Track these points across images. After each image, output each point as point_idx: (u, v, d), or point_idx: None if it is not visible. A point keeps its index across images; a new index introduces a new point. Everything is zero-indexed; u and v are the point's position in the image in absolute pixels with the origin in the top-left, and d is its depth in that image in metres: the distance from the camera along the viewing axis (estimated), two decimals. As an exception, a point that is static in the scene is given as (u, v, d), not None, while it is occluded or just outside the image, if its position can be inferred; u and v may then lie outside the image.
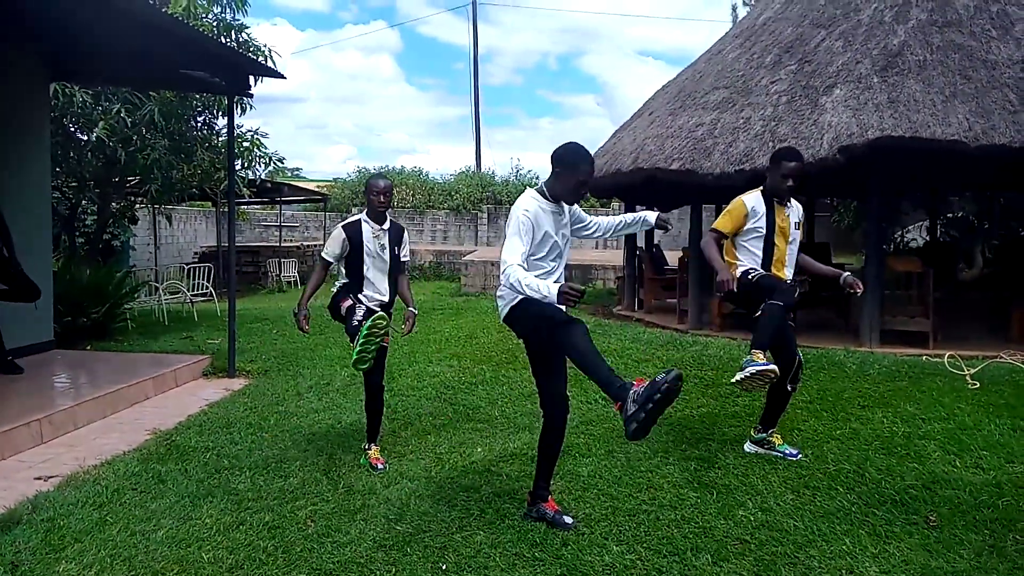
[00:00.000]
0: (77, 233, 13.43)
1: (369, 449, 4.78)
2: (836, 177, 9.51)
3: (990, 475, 4.29)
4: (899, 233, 19.20)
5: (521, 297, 3.62)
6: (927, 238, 15.93)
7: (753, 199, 4.62)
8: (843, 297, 9.67)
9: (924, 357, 7.10)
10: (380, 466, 4.64)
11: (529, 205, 3.68)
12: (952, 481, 4.20)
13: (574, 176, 3.71)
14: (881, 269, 8.16)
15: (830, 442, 4.88)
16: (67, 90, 9.33)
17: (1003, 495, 4.01)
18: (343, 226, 4.73)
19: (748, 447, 4.80)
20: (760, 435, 4.74)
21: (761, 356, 4.33)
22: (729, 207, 4.69)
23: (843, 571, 3.31)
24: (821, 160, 7.61)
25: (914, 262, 8.38)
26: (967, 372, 6.35)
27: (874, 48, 8.40)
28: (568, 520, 3.75)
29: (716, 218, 4.88)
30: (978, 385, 6.05)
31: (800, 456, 4.65)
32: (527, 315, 3.70)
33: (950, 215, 17.64)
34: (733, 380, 4.41)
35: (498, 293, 3.84)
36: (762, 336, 4.37)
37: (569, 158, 3.73)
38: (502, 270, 3.55)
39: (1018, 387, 6.01)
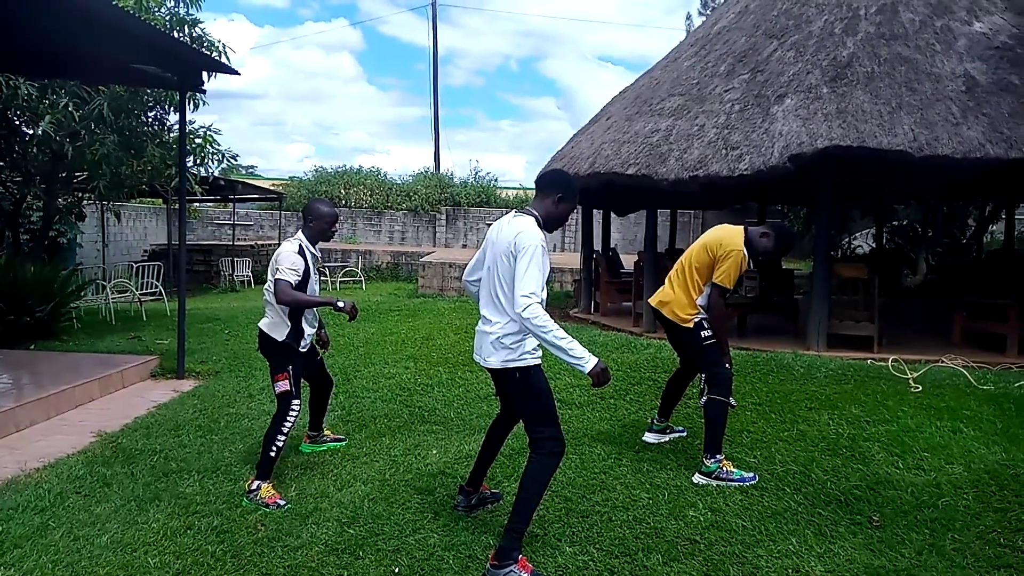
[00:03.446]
0: (22, 229, 13.01)
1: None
2: (786, 184, 9.75)
3: (931, 476, 4.43)
4: (846, 240, 19.69)
5: (538, 360, 3.35)
6: (873, 245, 16.37)
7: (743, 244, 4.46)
8: (792, 302, 9.91)
9: (869, 361, 7.29)
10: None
11: (541, 235, 3.27)
12: (895, 482, 4.32)
13: (573, 204, 3.46)
14: (829, 275, 8.35)
15: (778, 443, 4.98)
16: (12, 82, 9.04)
17: (943, 495, 4.15)
18: (298, 252, 4.22)
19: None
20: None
21: (730, 464, 4.40)
22: (731, 256, 4.37)
23: (789, 570, 3.39)
24: (772, 168, 7.77)
25: (860, 268, 8.59)
26: (910, 376, 6.54)
27: (824, 59, 8.61)
28: None
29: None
30: (920, 388, 6.24)
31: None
32: (536, 386, 3.38)
33: (895, 223, 18.14)
34: (701, 483, 4.33)
35: (500, 332, 3.34)
36: (717, 439, 4.41)
37: (574, 185, 3.48)
38: (523, 306, 3.09)
39: (958, 390, 6.21)
